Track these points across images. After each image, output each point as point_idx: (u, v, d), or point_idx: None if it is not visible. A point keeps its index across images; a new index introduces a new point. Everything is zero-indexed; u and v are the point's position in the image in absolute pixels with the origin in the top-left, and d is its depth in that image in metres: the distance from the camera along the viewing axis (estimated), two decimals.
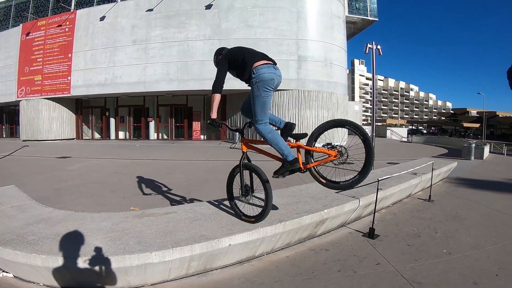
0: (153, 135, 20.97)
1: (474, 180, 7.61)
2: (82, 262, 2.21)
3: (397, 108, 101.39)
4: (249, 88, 2.85)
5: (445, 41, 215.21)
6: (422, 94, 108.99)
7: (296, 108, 15.99)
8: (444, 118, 70.88)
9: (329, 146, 2.76)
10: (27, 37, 19.71)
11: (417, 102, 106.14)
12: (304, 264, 2.90)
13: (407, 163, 7.82)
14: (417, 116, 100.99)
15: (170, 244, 2.43)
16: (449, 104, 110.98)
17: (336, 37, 17.33)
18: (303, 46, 16.06)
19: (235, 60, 2.84)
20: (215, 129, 19.47)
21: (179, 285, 2.49)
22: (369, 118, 61.50)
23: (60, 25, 18.82)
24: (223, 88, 2.88)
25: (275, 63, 2.82)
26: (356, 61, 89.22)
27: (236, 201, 3.16)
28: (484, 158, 12.60)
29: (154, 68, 16.95)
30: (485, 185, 6.98)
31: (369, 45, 9.09)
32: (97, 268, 2.22)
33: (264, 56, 2.84)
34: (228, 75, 2.93)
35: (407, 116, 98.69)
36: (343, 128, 2.76)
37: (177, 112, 20.90)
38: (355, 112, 30.32)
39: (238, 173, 3.06)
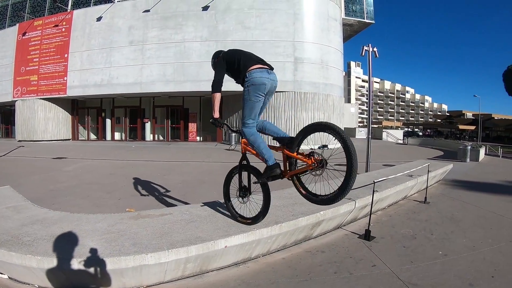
0: (149, 136, 20.87)
1: (469, 182, 7.65)
2: (77, 264, 2.19)
3: (393, 110, 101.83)
4: None
5: (440, 43, 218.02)
6: (418, 96, 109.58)
7: (292, 110, 16.02)
8: (439, 120, 71.55)
9: (307, 153, 2.50)
10: (24, 37, 19.61)
11: (413, 104, 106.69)
12: (300, 266, 2.90)
13: (403, 165, 7.87)
14: (413, 119, 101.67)
15: (166, 245, 2.42)
16: (444, 107, 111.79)
17: (333, 39, 17.41)
18: (300, 48, 16.10)
19: (232, 62, 2.85)
20: (211, 130, 19.58)
21: (174, 286, 2.48)
22: (365, 120, 61.77)
23: (56, 25, 18.74)
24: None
25: (271, 68, 2.81)
26: (353, 63, 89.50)
27: (233, 203, 3.15)
28: (479, 160, 12.67)
29: (151, 69, 16.91)
30: (480, 187, 7.02)
31: (365, 48, 9.11)
32: (92, 269, 2.20)
33: (260, 61, 2.84)
34: (225, 76, 2.93)
35: (403, 118, 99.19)
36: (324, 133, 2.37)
37: (173, 113, 20.83)
38: (351, 114, 30.56)
39: (236, 174, 3.06)
